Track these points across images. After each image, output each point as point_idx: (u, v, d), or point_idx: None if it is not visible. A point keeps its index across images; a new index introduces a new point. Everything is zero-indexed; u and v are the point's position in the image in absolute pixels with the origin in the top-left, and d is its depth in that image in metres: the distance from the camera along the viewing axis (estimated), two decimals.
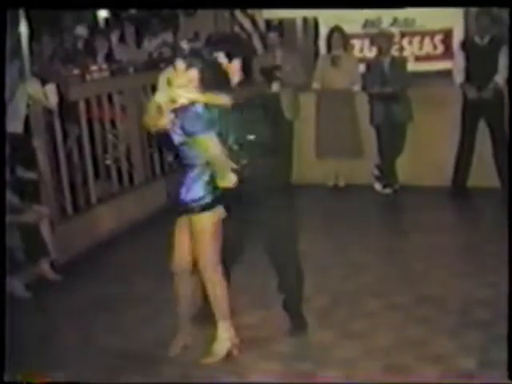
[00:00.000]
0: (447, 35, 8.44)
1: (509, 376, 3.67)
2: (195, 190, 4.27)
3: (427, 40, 8.54)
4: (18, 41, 6.29)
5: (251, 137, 4.37)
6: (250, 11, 9.04)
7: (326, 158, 8.38)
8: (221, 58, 4.41)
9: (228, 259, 4.68)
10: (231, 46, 4.51)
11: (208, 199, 4.27)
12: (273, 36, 8.33)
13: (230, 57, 4.42)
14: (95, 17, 10.28)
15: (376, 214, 7.73)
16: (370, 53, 8.62)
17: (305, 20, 9.36)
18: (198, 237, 4.32)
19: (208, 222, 4.30)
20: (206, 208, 4.28)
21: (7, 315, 3.83)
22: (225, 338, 4.48)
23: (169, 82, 4.27)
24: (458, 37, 8.23)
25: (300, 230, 6.77)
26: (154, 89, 4.55)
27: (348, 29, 8.35)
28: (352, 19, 8.53)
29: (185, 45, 7.87)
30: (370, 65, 8.11)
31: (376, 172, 8.16)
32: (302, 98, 8.30)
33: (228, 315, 4.48)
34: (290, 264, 4.71)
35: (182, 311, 4.60)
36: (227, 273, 4.78)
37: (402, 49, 8.55)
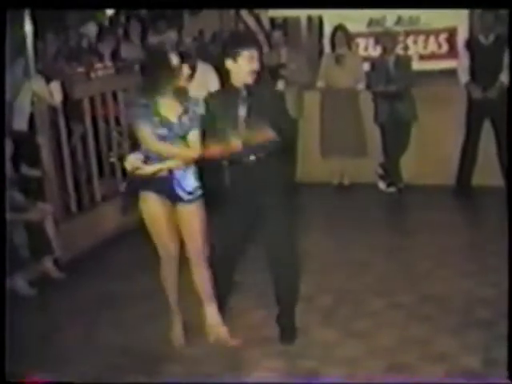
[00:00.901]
0: (452, 34, 8.43)
1: (509, 376, 3.66)
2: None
3: (432, 39, 8.54)
4: (23, 39, 6.30)
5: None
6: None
7: (331, 156, 8.36)
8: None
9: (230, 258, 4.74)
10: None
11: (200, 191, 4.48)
12: (277, 34, 8.33)
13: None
14: (101, 15, 10.30)
15: (380, 212, 7.71)
16: (375, 51, 8.62)
17: (309, 18, 9.34)
18: (190, 225, 4.47)
19: (199, 211, 4.48)
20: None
21: (10, 313, 3.84)
22: (213, 324, 4.64)
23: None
24: (462, 35, 8.22)
25: (304, 228, 6.84)
26: None
27: (353, 27, 8.35)
28: (357, 18, 8.53)
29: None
30: (375, 63, 8.09)
31: (380, 171, 8.15)
32: (306, 97, 8.30)
33: (214, 299, 4.62)
34: (288, 274, 4.65)
35: (172, 297, 4.69)
36: (230, 272, 4.83)
37: (406, 47, 8.55)
